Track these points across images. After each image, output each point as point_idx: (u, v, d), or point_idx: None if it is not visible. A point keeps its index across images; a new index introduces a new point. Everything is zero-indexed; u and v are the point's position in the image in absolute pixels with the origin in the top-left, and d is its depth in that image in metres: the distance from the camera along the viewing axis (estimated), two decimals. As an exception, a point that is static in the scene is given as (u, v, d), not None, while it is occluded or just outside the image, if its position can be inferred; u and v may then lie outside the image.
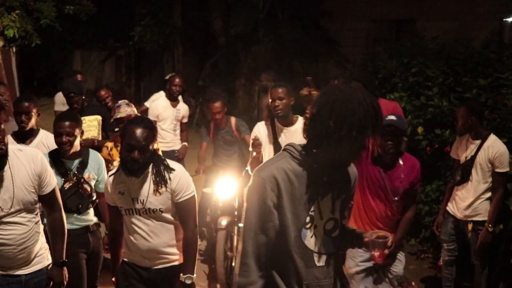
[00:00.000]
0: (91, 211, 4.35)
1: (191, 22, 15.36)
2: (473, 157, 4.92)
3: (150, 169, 3.51)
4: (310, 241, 2.45)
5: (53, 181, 3.48)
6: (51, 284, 3.56)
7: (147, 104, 8.26)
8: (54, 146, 4.48)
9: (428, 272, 6.27)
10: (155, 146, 3.65)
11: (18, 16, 11.42)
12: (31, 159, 3.33)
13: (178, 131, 7.60)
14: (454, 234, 5.17)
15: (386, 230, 4.14)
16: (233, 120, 6.63)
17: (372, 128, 2.36)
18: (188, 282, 3.55)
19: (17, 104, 4.66)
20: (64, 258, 3.60)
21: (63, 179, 4.08)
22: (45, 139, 4.70)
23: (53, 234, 3.59)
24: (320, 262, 2.49)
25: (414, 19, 13.04)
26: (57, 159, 4.11)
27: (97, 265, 4.45)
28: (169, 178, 3.48)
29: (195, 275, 3.63)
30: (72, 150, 4.12)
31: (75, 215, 4.18)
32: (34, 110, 4.63)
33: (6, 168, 3.20)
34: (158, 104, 7.49)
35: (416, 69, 6.94)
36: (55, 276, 3.55)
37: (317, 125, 2.36)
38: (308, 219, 2.43)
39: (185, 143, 7.58)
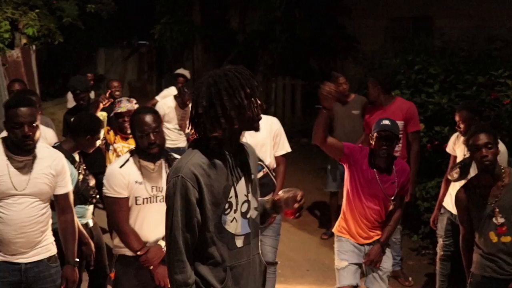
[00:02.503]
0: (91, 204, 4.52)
1: (210, 20, 15.52)
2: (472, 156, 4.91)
3: (162, 160, 3.70)
4: (230, 225, 2.58)
5: (69, 185, 3.70)
6: (65, 283, 3.70)
7: (158, 98, 8.44)
8: (53, 139, 4.70)
9: (427, 268, 6.29)
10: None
11: (38, 15, 11.73)
12: (54, 158, 3.62)
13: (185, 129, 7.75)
14: (450, 229, 5.17)
15: (379, 231, 4.30)
16: None
17: (247, 90, 2.46)
18: None
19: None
20: (76, 258, 3.74)
21: (76, 170, 4.25)
22: (44, 132, 4.89)
23: (65, 236, 3.72)
24: (240, 243, 2.62)
25: (431, 17, 12.93)
26: (66, 153, 4.18)
27: (103, 255, 4.58)
28: None
29: None
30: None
31: (87, 207, 4.37)
32: (37, 104, 4.83)
33: (31, 156, 3.48)
34: (165, 103, 7.49)
35: (419, 66, 6.98)
36: (69, 275, 3.69)
37: (196, 111, 2.51)
38: (227, 205, 2.56)
39: None
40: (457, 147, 5.15)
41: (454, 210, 5.02)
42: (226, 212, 2.57)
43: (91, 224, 4.49)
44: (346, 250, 4.36)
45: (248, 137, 4.66)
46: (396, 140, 4.22)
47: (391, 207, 4.31)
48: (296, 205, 2.70)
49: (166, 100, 7.62)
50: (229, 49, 14.83)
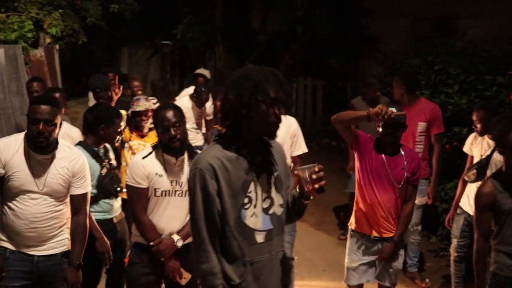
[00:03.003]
0: (119, 199, 4.57)
1: (232, 20, 15.55)
2: (489, 156, 4.87)
3: (186, 155, 3.81)
4: (250, 220, 2.62)
5: (86, 186, 3.76)
6: (65, 285, 3.74)
7: (177, 98, 8.50)
8: (78, 138, 4.79)
9: (445, 270, 6.21)
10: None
11: (62, 15, 11.88)
12: (73, 158, 3.69)
13: (202, 128, 7.82)
14: (466, 230, 5.12)
15: (394, 220, 4.30)
16: None
17: (274, 95, 2.51)
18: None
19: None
20: (80, 261, 3.76)
21: (99, 165, 4.32)
22: (69, 131, 4.99)
23: (74, 236, 3.77)
24: (260, 239, 2.65)
25: (454, 17, 12.83)
26: (89, 147, 4.35)
27: (124, 252, 4.57)
28: None
29: None
30: None
31: (112, 201, 4.42)
32: (63, 102, 4.93)
33: (50, 156, 3.57)
34: (181, 104, 7.52)
35: (439, 66, 6.93)
36: (70, 277, 3.71)
37: (225, 106, 2.58)
38: (246, 200, 2.60)
39: None
40: (474, 147, 5.11)
41: (471, 211, 4.99)
42: (246, 207, 2.61)
43: (115, 220, 4.51)
44: (357, 249, 4.41)
45: None
46: (402, 128, 4.26)
47: (402, 196, 4.31)
48: (314, 176, 2.66)
49: (182, 101, 7.68)
50: (250, 50, 14.84)
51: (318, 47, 13.53)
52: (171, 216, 3.80)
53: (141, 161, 3.79)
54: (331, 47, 13.48)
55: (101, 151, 4.42)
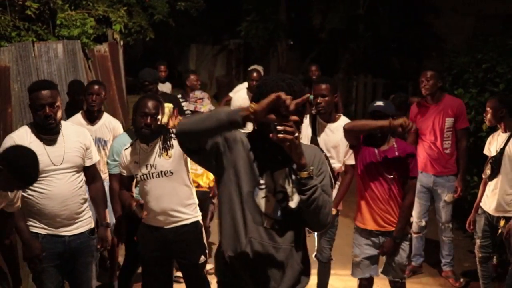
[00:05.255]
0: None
1: (295, 18, 15.68)
2: (502, 150, 4.84)
3: (159, 139, 4.11)
4: (260, 201, 2.71)
5: (95, 157, 4.15)
6: (100, 244, 4.17)
7: (231, 94, 8.71)
8: (117, 130, 5.11)
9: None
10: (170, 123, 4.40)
11: (130, 12, 12.37)
12: (80, 133, 4.05)
13: None
14: (487, 230, 5.08)
15: (396, 213, 4.36)
16: None
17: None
18: None
19: (89, 86, 5.34)
20: (108, 220, 4.19)
21: None
22: (108, 123, 5.29)
23: (97, 202, 4.19)
24: (266, 224, 2.71)
25: (523, 15, 12.44)
26: (131, 133, 4.65)
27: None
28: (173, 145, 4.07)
29: None
30: None
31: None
32: (103, 93, 5.24)
33: (59, 134, 3.87)
34: (239, 96, 7.77)
35: (487, 65, 6.80)
36: (103, 235, 4.16)
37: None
38: (262, 181, 2.70)
39: None
40: (491, 146, 5.07)
41: (491, 211, 4.97)
42: (261, 187, 2.71)
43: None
44: (361, 243, 4.50)
45: (323, 135, 4.78)
46: (389, 119, 4.26)
47: (399, 187, 4.35)
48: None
49: (240, 93, 7.86)
50: (312, 47, 14.92)
51: (379, 45, 13.44)
52: (156, 196, 4.09)
53: (124, 152, 4.20)
54: (393, 45, 13.36)
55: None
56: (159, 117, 4.12)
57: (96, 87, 5.25)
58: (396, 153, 4.31)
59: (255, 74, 7.96)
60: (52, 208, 3.82)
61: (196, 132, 2.59)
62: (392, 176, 4.30)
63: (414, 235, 5.96)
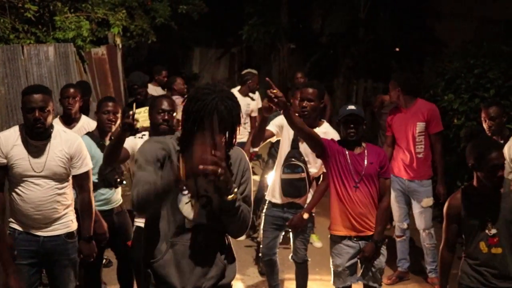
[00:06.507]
0: (119, 190, 4.85)
1: (296, 22, 15.68)
2: None
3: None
4: (184, 207, 2.75)
5: (85, 165, 4.05)
6: (81, 256, 4.12)
7: None
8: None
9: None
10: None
11: (132, 15, 12.39)
12: (69, 142, 3.97)
13: (247, 124, 7.91)
14: None
15: (373, 217, 4.35)
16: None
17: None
18: None
19: (64, 90, 5.33)
20: (91, 234, 4.12)
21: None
22: (87, 125, 5.25)
23: (82, 212, 4.13)
24: (189, 226, 2.76)
25: (524, 20, 12.37)
26: (94, 137, 4.68)
27: (126, 239, 4.81)
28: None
29: None
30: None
31: (110, 193, 4.71)
32: (78, 97, 5.25)
33: (47, 141, 3.87)
34: None
35: (479, 70, 6.77)
36: (84, 249, 4.11)
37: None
38: (185, 187, 2.74)
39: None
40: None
41: None
42: (184, 193, 2.75)
43: (119, 206, 4.81)
44: (340, 252, 4.42)
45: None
46: (362, 122, 4.30)
47: (373, 191, 4.33)
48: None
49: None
50: (313, 51, 14.90)
51: (379, 50, 13.40)
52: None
53: None
54: (393, 50, 13.31)
55: (107, 142, 4.67)
56: (175, 114, 4.30)
57: (71, 90, 5.24)
58: (368, 156, 4.30)
59: (249, 77, 7.91)
60: (26, 210, 3.87)
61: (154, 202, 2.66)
62: (366, 179, 4.28)
63: (397, 239, 5.94)
